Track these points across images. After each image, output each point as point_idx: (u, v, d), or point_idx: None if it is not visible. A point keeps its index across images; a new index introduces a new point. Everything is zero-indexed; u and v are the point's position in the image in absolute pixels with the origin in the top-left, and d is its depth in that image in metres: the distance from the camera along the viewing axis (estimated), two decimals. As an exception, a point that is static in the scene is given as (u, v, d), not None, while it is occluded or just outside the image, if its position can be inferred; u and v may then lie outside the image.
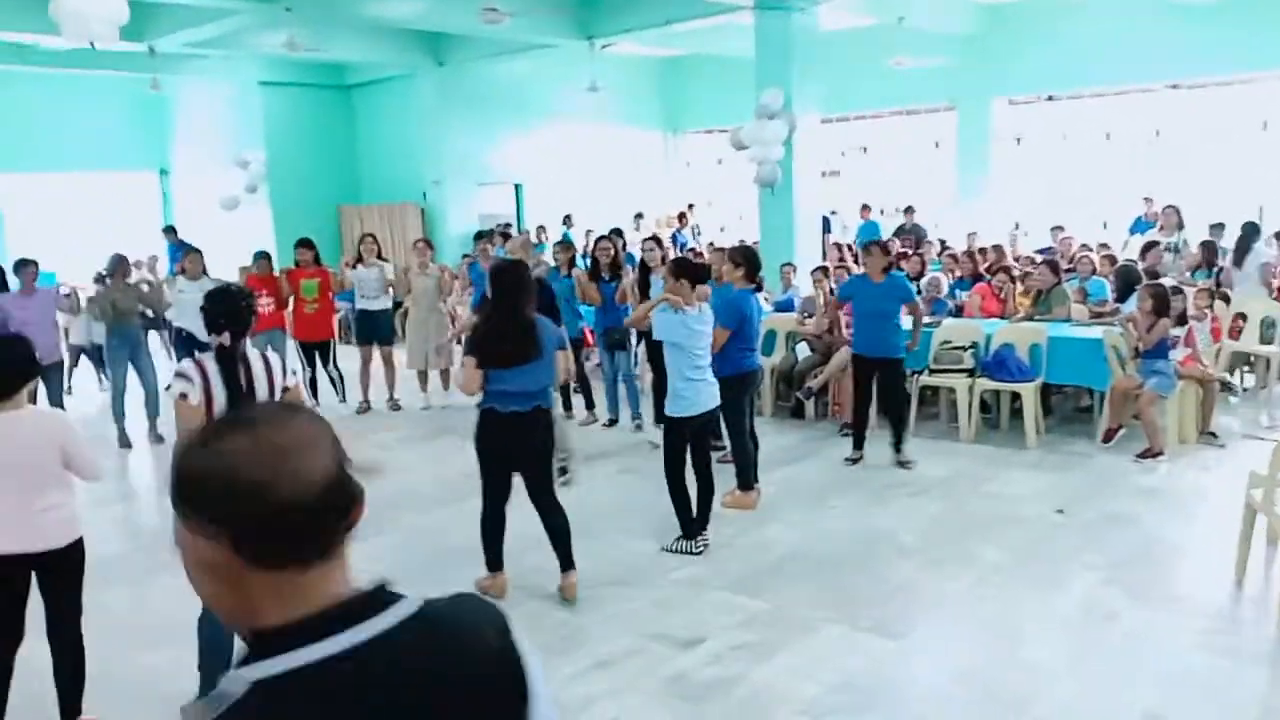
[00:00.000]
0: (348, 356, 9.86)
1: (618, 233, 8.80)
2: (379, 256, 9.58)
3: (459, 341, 10.79)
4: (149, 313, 9.05)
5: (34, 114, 14.91)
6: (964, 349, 7.88)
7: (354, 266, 9.52)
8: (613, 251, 8.37)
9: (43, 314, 7.91)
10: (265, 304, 8.59)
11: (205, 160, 15.85)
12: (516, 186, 16.25)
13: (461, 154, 14.99)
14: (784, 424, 8.49)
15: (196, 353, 3.94)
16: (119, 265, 8.64)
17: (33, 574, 3.61)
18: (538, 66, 14.77)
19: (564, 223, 15.71)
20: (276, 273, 9.19)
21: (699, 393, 5.51)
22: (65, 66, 13.10)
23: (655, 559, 5.60)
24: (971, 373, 7.80)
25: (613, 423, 8.31)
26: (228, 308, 3.88)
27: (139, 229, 15.21)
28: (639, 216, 15.88)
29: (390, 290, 9.56)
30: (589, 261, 8.80)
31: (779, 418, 8.64)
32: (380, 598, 1.11)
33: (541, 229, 14.80)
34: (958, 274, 10.27)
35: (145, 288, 9.00)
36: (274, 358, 4.01)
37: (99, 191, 16.04)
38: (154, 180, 17.21)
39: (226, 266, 11.19)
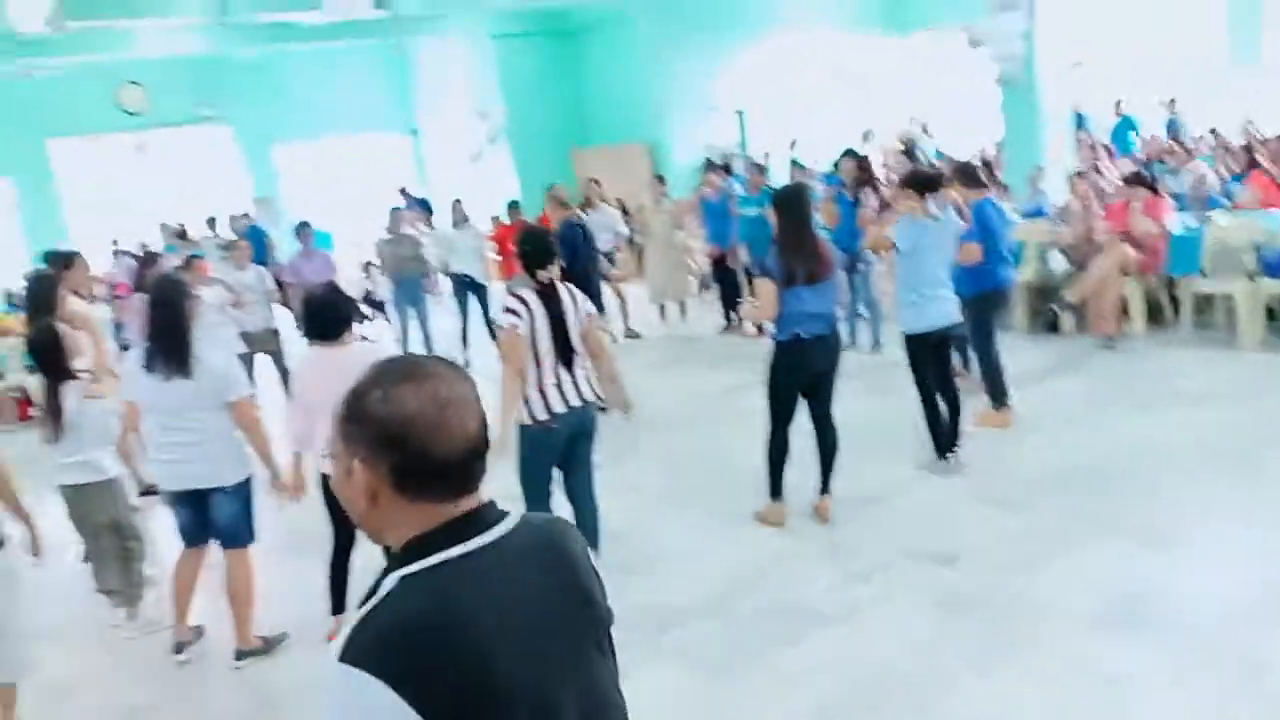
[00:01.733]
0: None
1: (850, 154, 8.59)
2: (601, 200, 9.90)
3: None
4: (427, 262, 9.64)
5: (298, 87, 16.02)
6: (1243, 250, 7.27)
7: (584, 210, 9.57)
8: (857, 172, 8.04)
9: (322, 271, 8.65)
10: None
11: (451, 117, 16.58)
12: (739, 114, 16.29)
13: (683, 86, 14.90)
14: (1038, 339, 8.13)
15: (520, 291, 4.20)
16: (396, 220, 9.38)
17: None
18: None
19: (790, 147, 15.52)
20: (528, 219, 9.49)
21: (927, 308, 5.35)
22: (323, 40, 13.98)
23: (908, 477, 5.58)
24: (1252, 276, 7.17)
25: (851, 345, 8.12)
26: (544, 248, 4.18)
27: (397, 188, 16.34)
28: (868, 135, 15.38)
29: (619, 232, 9.89)
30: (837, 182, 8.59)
31: (1033, 332, 8.27)
32: (494, 511, 1.33)
33: (767, 155, 14.77)
34: (1233, 168, 9.39)
35: (423, 240, 9.63)
36: (577, 292, 4.26)
37: (360, 155, 17.16)
38: (407, 143, 18.53)
39: (480, 218, 12.00)
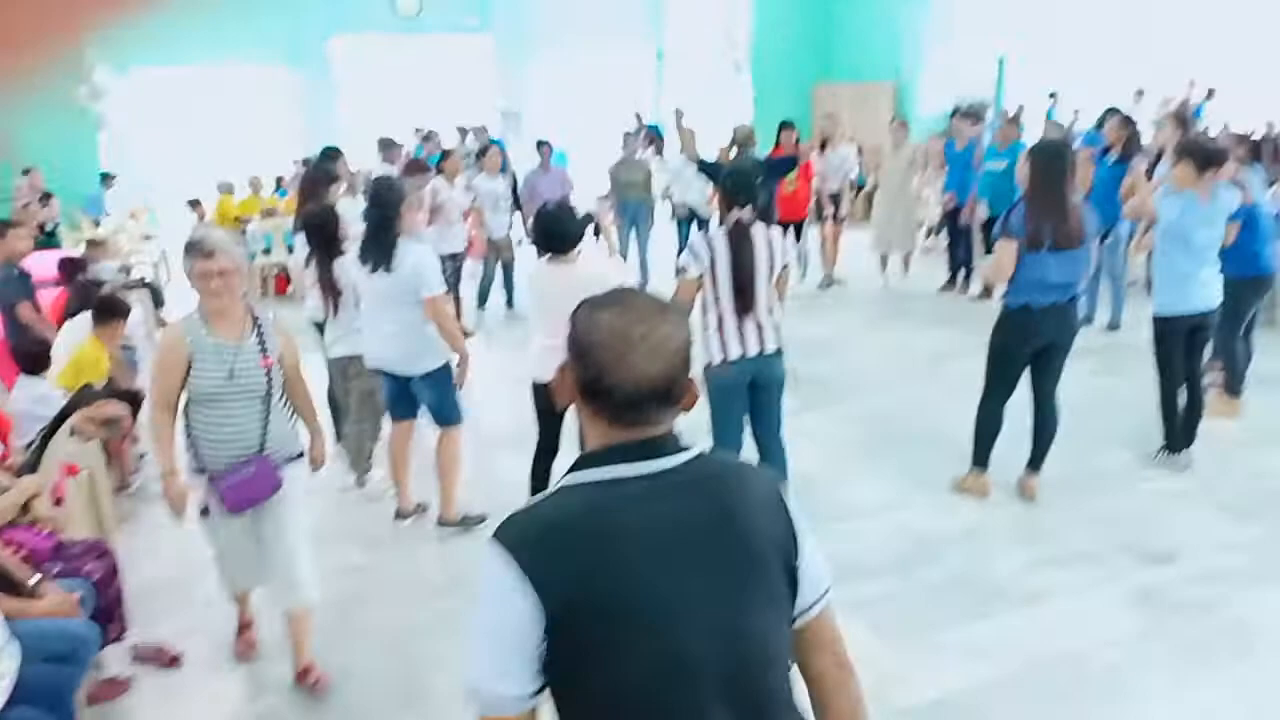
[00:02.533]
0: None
1: (1115, 113, 7.88)
2: (839, 138, 9.60)
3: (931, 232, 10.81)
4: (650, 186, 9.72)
5: (564, 3, 16.32)
6: None
7: (821, 150, 9.34)
8: (1123, 133, 7.33)
9: (558, 188, 8.86)
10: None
11: (698, 39, 16.51)
12: (998, 60, 15.24)
13: (939, 24, 14.13)
14: (1307, 339, 7.72)
15: (708, 229, 4.38)
16: (627, 142, 9.50)
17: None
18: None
19: (1050, 98, 14.44)
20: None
21: (1189, 290, 4.98)
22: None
23: (1130, 467, 5.27)
24: None
25: (1087, 320, 7.71)
26: (746, 183, 4.07)
27: (636, 109, 16.60)
28: (1140, 93, 14.10)
29: (847, 174, 9.62)
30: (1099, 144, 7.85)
31: (1301, 331, 7.85)
32: (672, 442, 1.39)
33: (1021, 109, 13.80)
34: None
35: (652, 166, 9.72)
36: (775, 236, 4.14)
37: (606, 71, 17.15)
38: (650, 62, 18.66)
39: (709, 148, 11.96)
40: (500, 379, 6.96)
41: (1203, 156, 4.90)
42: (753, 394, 4.22)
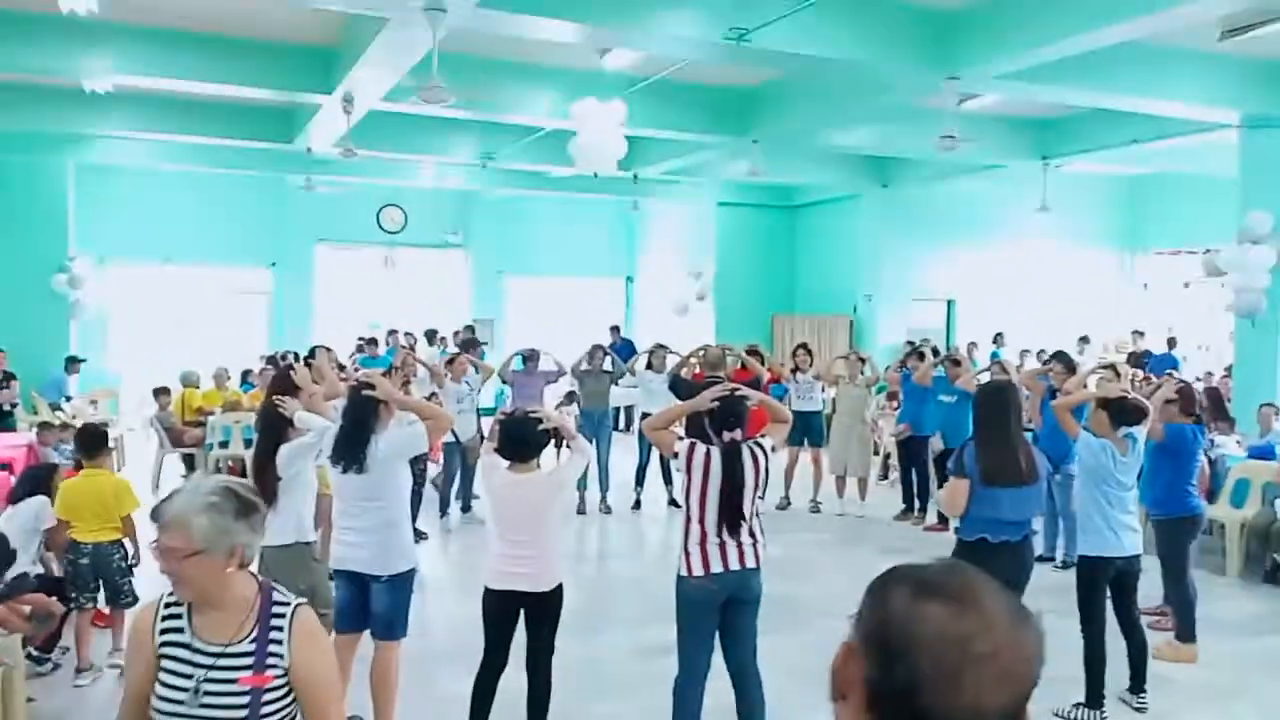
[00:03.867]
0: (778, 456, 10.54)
1: (1062, 357, 8.29)
2: (810, 366, 9.95)
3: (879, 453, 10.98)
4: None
5: (535, 226, 17.13)
6: None
7: (794, 375, 9.86)
8: (1063, 376, 7.57)
9: (535, 390, 9.14)
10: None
11: (664, 270, 16.94)
12: (949, 303, 15.84)
13: (895, 270, 14.93)
14: (1255, 588, 7.32)
15: (699, 443, 4.07)
16: (595, 353, 9.68)
17: (521, 612, 4.12)
18: (983, 187, 14.44)
19: (994, 341, 15.15)
20: (735, 371, 9.28)
21: (1106, 534, 4.91)
22: (567, 190, 15.11)
23: (1065, 714, 4.96)
24: None
25: (1046, 558, 7.47)
26: (736, 410, 4.06)
27: (609, 325, 16.96)
28: (1084, 340, 14.64)
29: (823, 393, 10.06)
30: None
31: (1249, 580, 7.45)
32: None
33: (973, 345, 14.43)
34: None
35: (612, 372, 9.83)
36: (760, 455, 4.05)
37: (578, 294, 18.03)
38: (621, 286, 19.45)
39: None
40: (449, 587, 6.78)
41: (1117, 410, 4.96)
42: (728, 611, 4.08)
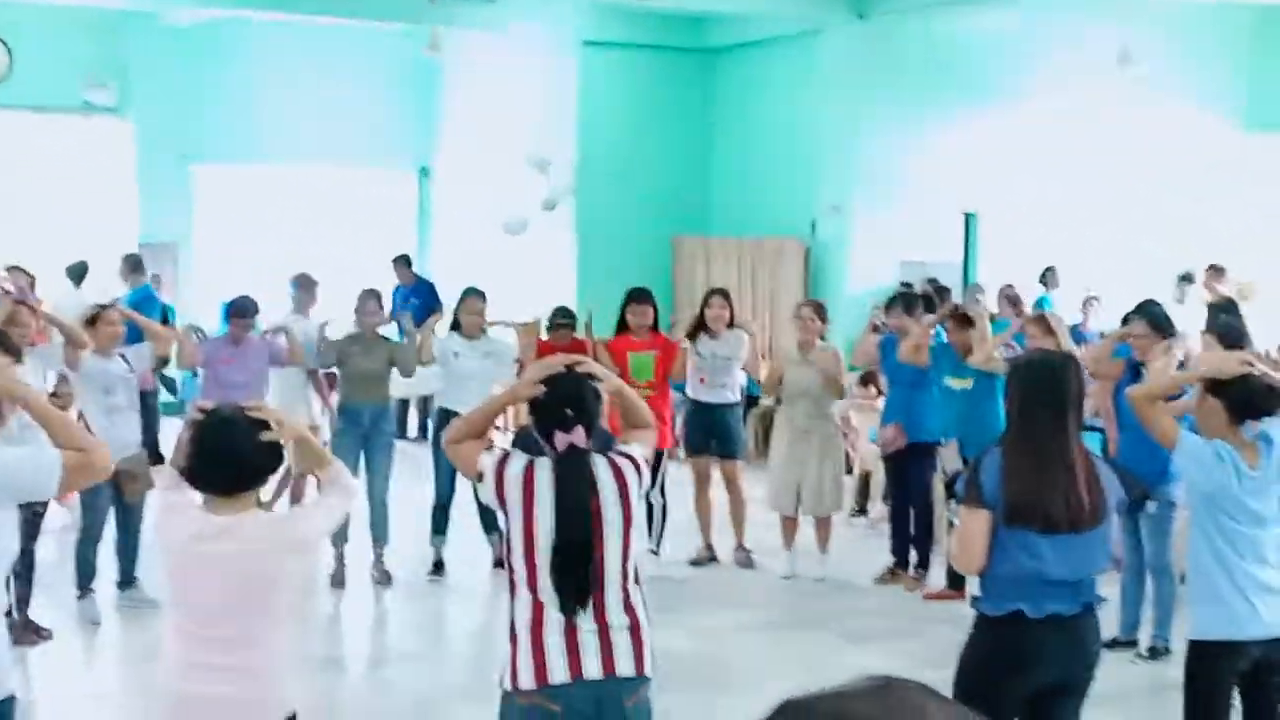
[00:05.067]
0: (677, 479, 9.97)
1: (1147, 312, 8.16)
2: (730, 324, 9.82)
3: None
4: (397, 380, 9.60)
5: (262, 84, 17.22)
6: None
7: (693, 336, 9.72)
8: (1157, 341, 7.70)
9: (252, 373, 9.20)
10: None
11: (485, 159, 16.95)
12: (967, 217, 15.92)
13: (878, 162, 14.68)
14: None
15: (515, 456, 4.21)
16: (365, 304, 9.48)
17: None
18: (1023, 21, 14.40)
19: (1041, 282, 14.67)
20: (587, 340, 9.50)
21: (1236, 604, 4.91)
22: (308, 12, 14.78)
23: None
24: None
25: (1118, 642, 7.68)
26: (574, 391, 4.15)
27: (384, 251, 16.51)
28: (1186, 279, 14.59)
29: (745, 374, 9.69)
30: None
31: None
32: None
33: (1008, 290, 14.01)
34: None
35: (401, 341, 9.74)
36: (628, 469, 4.13)
37: (335, 199, 17.84)
38: (411, 185, 18.72)
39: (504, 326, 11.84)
40: None
41: (1243, 401, 4.92)
42: None
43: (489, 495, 4.06)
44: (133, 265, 13.11)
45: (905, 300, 9.81)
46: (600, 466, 4.03)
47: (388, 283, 13.40)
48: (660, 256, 15.85)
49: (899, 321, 9.42)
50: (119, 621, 8.53)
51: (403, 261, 14.71)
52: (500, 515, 4.08)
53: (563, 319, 9.61)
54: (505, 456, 4.02)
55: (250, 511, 4.12)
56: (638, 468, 4.07)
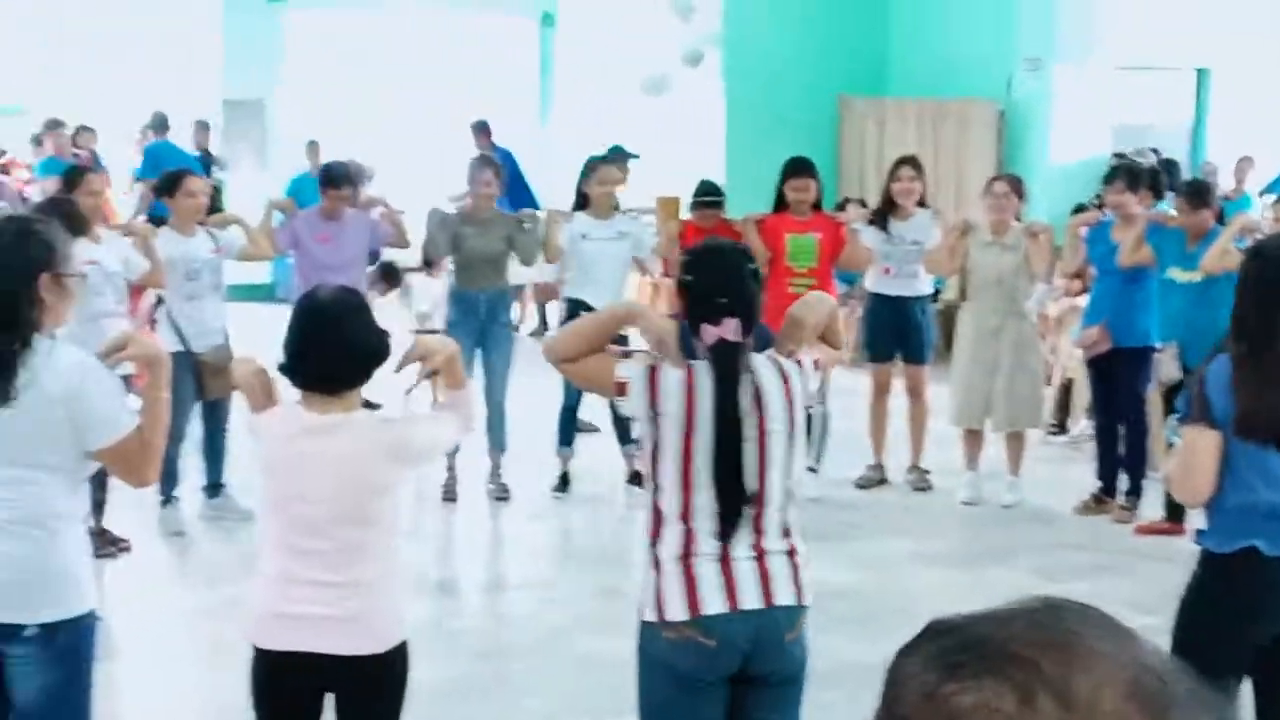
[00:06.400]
0: (845, 388, 9.96)
1: None
2: (920, 203, 9.83)
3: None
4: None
5: None
6: None
7: (880, 221, 9.73)
8: None
9: (349, 256, 9.35)
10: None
11: (618, 5, 17.24)
12: (1199, 73, 15.63)
13: (1091, 8, 14.57)
14: None
15: (664, 366, 4.24)
16: (479, 174, 9.56)
17: (323, 697, 4.34)
18: None
19: None
20: (737, 221, 9.61)
21: None
22: None
23: None
24: None
25: None
26: (728, 276, 4.18)
27: (501, 113, 16.61)
28: None
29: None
30: None
31: None
32: None
33: (1246, 160, 14.05)
34: None
35: (525, 223, 9.81)
36: (793, 372, 4.19)
37: (444, 49, 18.22)
38: (532, 31, 18.76)
39: (637, 199, 11.94)
40: (180, 653, 7.26)
41: None
42: (740, 700, 4.12)
43: (638, 408, 4.06)
44: (157, 124, 13.23)
45: (1129, 174, 9.55)
46: (764, 368, 4.05)
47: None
48: (824, 120, 15.76)
49: (1119, 198, 9.24)
50: (205, 532, 8.84)
51: (480, 129, 14.50)
52: (648, 429, 4.10)
53: (708, 196, 9.43)
54: (652, 368, 4.06)
55: (351, 408, 4.24)
56: (802, 375, 4.13)
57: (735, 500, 3.97)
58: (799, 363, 4.11)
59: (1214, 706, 1.28)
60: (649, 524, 4.11)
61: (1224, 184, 12.32)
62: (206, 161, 13.90)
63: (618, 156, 9.83)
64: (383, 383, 4.63)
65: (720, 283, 4.11)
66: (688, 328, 4.16)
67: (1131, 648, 1.23)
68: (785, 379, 4.06)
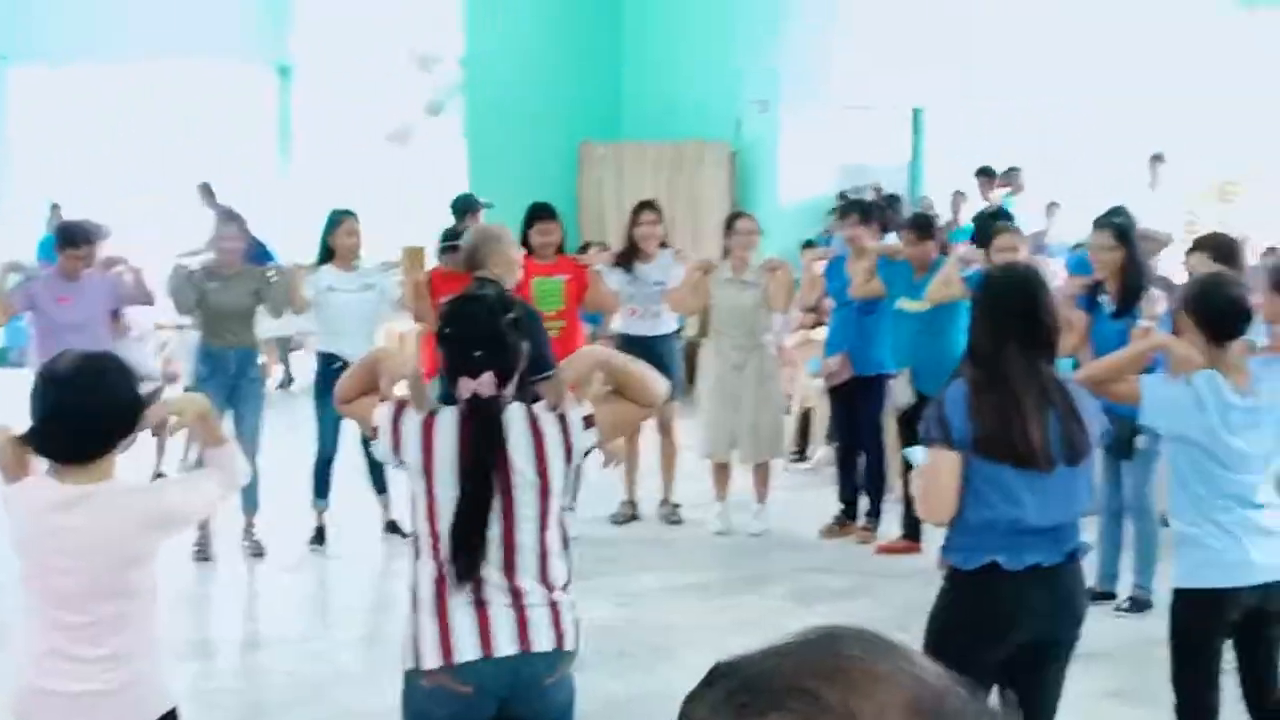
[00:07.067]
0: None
1: (1111, 222, 8.44)
2: (662, 244, 9.97)
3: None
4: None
5: None
6: None
7: (625, 263, 9.84)
8: (1120, 255, 7.98)
9: (90, 314, 9.13)
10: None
11: (357, 57, 16.93)
12: (914, 113, 16.30)
13: (812, 53, 15.08)
14: None
15: (409, 408, 4.24)
16: (222, 228, 9.58)
17: None
18: None
19: (1001, 181, 14.70)
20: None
21: (1224, 547, 5.09)
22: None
23: None
24: None
25: (1098, 594, 7.68)
26: (488, 329, 4.19)
27: (238, 167, 16.50)
28: (1158, 159, 14.60)
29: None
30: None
31: None
32: None
33: (959, 195, 14.47)
34: None
35: (271, 275, 9.78)
36: (550, 425, 4.18)
37: (176, 100, 17.68)
38: (270, 82, 18.29)
39: (384, 247, 11.97)
40: None
41: (1215, 308, 5.12)
42: None
43: (385, 453, 4.14)
44: None
45: (861, 208, 10.08)
46: (515, 418, 4.09)
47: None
48: (565, 166, 15.87)
49: (853, 232, 9.58)
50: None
51: (205, 191, 14.75)
52: (404, 474, 4.19)
53: (454, 242, 9.50)
54: (401, 407, 4.08)
55: (101, 477, 4.13)
56: (565, 424, 4.13)
57: (469, 551, 4.05)
58: (562, 416, 4.12)
59: (987, 717, 1.33)
60: (409, 571, 4.17)
61: (942, 216, 12.71)
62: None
63: (350, 213, 9.75)
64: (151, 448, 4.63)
65: (476, 335, 4.13)
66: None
67: (909, 666, 1.26)
68: (538, 432, 4.10)
